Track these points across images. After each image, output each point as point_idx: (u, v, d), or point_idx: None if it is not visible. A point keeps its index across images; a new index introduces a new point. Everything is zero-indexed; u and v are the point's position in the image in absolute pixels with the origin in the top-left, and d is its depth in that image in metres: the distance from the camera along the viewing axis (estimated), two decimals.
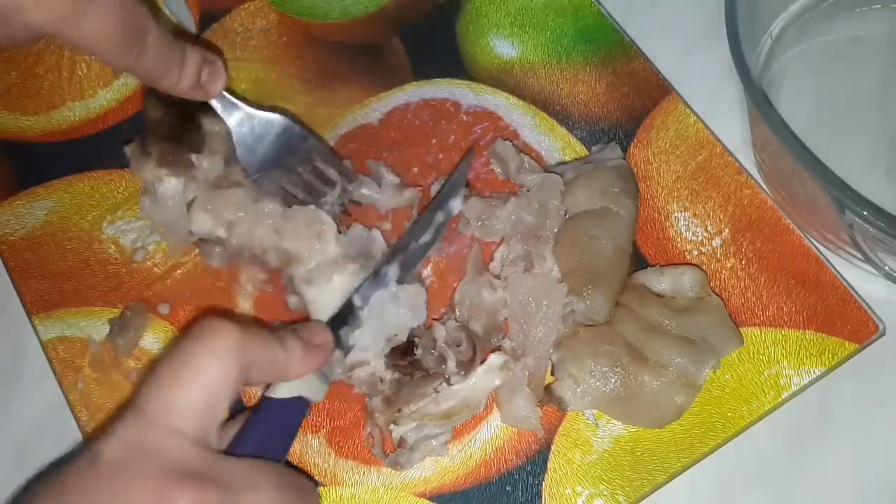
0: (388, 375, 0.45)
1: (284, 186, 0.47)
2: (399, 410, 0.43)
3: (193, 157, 0.47)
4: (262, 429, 0.38)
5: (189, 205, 0.47)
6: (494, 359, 0.44)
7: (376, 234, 0.48)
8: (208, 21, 0.57)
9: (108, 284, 0.50)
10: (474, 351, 0.44)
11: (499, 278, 0.47)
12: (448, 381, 0.44)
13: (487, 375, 0.44)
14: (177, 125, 0.48)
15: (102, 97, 0.55)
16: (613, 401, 0.44)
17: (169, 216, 0.48)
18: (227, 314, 0.46)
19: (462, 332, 0.45)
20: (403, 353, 0.45)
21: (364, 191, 0.50)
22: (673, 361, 0.43)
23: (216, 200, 0.47)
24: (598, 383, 0.43)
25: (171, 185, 0.47)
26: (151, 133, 0.48)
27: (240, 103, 0.46)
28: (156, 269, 0.50)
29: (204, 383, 0.34)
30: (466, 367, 0.44)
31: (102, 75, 0.55)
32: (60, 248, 0.51)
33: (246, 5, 0.57)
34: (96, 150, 0.53)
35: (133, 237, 0.51)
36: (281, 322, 0.47)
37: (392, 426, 0.43)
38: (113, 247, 0.51)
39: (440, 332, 0.45)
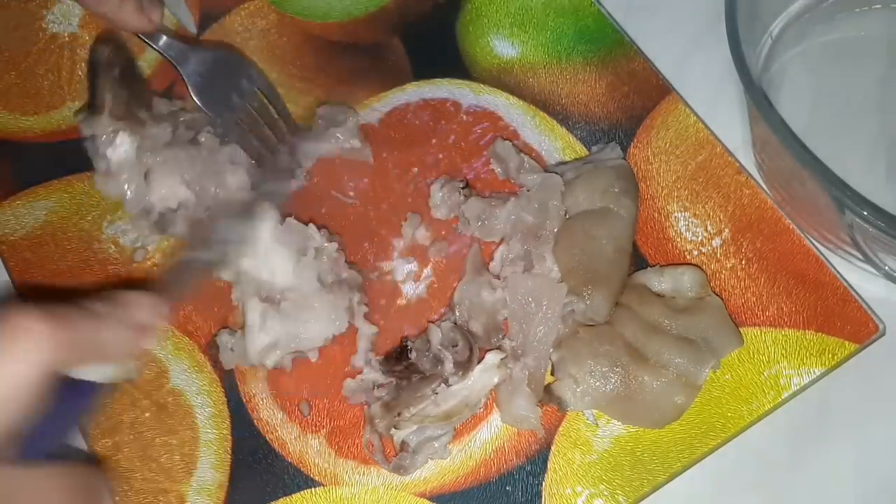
0: (382, 380, 0.45)
1: (241, 131, 0.48)
2: (399, 414, 0.43)
3: (144, 114, 0.47)
4: (52, 409, 0.34)
5: (146, 177, 0.47)
6: (491, 357, 0.44)
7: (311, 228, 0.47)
8: (208, 21, 0.57)
9: (108, 284, 0.49)
10: (471, 350, 0.44)
11: (498, 278, 0.47)
12: (446, 382, 0.44)
13: (486, 374, 0.44)
14: (125, 68, 0.48)
15: None
16: (613, 401, 0.44)
17: (124, 184, 0.47)
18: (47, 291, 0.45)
19: (458, 333, 0.45)
20: (398, 359, 0.45)
21: (314, 143, 0.51)
22: (673, 361, 0.43)
23: (176, 160, 0.47)
24: (598, 383, 0.43)
25: (124, 143, 0.46)
26: (102, 82, 0.47)
27: (182, 43, 0.47)
28: (156, 269, 0.50)
29: None
30: (464, 366, 0.44)
31: None
32: (60, 248, 0.51)
33: (246, 5, 0.57)
34: None
35: (133, 237, 0.51)
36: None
37: (393, 430, 0.43)
38: (113, 247, 0.51)
39: (436, 334, 0.45)
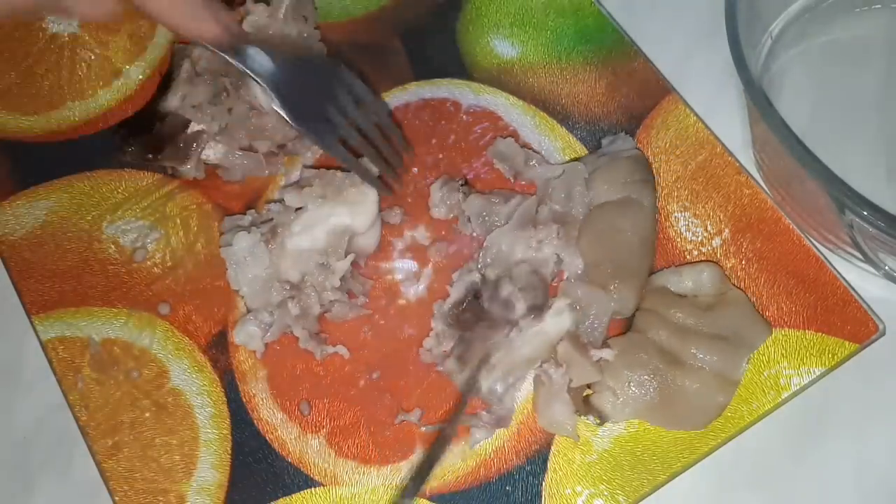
0: (450, 333, 0.45)
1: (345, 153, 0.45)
2: (484, 362, 0.43)
3: None
4: None
5: None
6: (560, 302, 0.44)
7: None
8: None
9: (108, 284, 0.50)
10: (545, 294, 0.44)
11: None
12: (517, 326, 0.44)
13: (558, 318, 0.44)
14: None
15: (102, 97, 0.55)
16: (654, 408, 0.43)
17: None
18: None
19: (536, 277, 0.45)
20: (467, 306, 0.45)
21: None
22: (708, 360, 0.43)
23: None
24: (637, 392, 0.43)
25: None
26: None
27: (264, 52, 0.43)
28: (156, 269, 0.50)
29: None
30: (538, 309, 0.44)
31: (102, 75, 0.55)
32: (60, 248, 0.51)
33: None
34: (96, 150, 0.53)
35: (133, 237, 0.51)
36: None
37: (482, 380, 0.43)
38: (113, 247, 0.51)
39: (506, 284, 0.45)
